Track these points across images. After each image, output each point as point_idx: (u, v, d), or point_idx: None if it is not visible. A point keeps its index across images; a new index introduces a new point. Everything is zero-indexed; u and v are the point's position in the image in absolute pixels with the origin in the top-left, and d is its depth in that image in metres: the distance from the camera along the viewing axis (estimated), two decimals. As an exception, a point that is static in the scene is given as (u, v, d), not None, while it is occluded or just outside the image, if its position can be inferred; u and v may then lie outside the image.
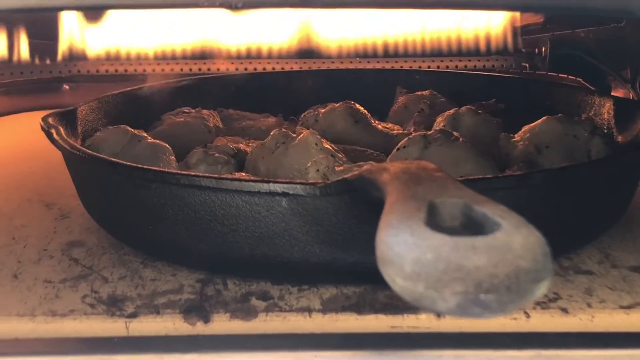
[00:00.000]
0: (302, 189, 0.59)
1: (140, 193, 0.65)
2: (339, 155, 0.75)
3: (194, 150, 0.79)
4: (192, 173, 0.63)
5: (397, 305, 0.61)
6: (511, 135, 0.82)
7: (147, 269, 0.68)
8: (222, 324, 0.59)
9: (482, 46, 1.29)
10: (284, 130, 0.78)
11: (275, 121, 0.95)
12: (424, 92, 0.97)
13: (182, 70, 1.29)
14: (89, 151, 0.68)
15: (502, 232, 0.37)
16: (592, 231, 0.71)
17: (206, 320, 0.59)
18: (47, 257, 0.71)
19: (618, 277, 0.65)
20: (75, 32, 1.25)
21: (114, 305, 0.61)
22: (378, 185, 0.50)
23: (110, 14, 1.23)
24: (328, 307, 0.61)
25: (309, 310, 0.60)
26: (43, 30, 1.28)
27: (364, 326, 0.59)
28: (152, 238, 0.68)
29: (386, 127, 0.89)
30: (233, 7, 0.45)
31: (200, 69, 1.30)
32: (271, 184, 0.59)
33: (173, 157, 0.77)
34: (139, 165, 0.65)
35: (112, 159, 0.67)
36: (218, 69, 1.30)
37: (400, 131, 0.88)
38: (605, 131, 0.83)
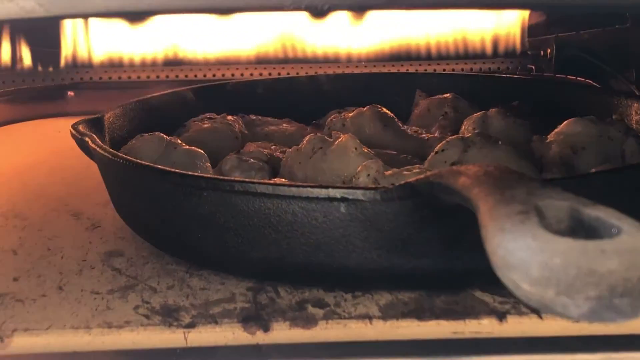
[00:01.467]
0: (362, 194, 0.58)
1: (190, 201, 0.64)
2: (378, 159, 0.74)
3: (228, 156, 0.78)
4: (247, 180, 0.62)
5: (457, 310, 0.60)
6: (544, 137, 0.82)
7: (193, 277, 0.66)
8: (282, 333, 0.58)
9: (489, 48, 1.29)
10: (319, 135, 0.77)
11: (298, 126, 0.95)
12: (445, 96, 0.96)
13: (186, 77, 1.28)
14: (136, 160, 0.67)
15: (626, 235, 0.37)
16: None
17: (266, 329, 0.58)
18: (88, 267, 0.69)
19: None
20: (78, 40, 1.23)
21: (169, 316, 0.60)
22: (455, 190, 0.49)
23: (114, 21, 1.22)
24: (388, 314, 0.60)
25: (368, 317, 0.60)
26: (45, 38, 1.26)
27: (426, 332, 0.58)
28: (200, 246, 0.66)
29: (415, 131, 0.89)
30: (319, 9, 0.44)
31: (205, 75, 1.29)
32: (330, 190, 0.58)
33: (209, 164, 0.75)
34: (190, 173, 0.64)
35: (162, 167, 0.65)
36: (223, 75, 1.29)
37: (431, 135, 0.88)
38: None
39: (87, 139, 0.73)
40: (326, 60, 1.28)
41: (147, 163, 0.66)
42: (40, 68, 1.25)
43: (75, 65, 1.26)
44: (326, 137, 0.76)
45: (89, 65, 1.26)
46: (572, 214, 0.41)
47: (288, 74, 1.29)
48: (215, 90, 1.02)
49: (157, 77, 1.28)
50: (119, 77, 1.28)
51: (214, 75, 1.28)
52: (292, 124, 0.95)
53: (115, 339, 0.58)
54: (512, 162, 0.72)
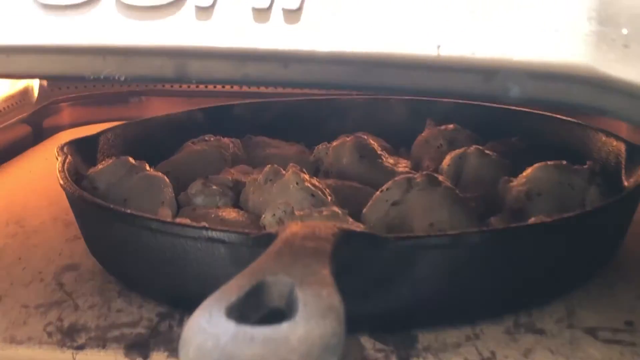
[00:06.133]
0: (236, 238, 0.61)
1: (108, 228, 0.69)
2: (324, 194, 0.76)
3: (195, 181, 0.82)
4: (144, 215, 0.66)
5: None
6: (511, 179, 0.81)
7: (120, 298, 0.72)
8: (160, 362, 0.63)
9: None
10: (275, 166, 0.80)
11: (298, 150, 0.98)
12: (447, 127, 0.96)
13: (249, 88, 1.32)
14: (68, 185, 0.72)
15: (291, 321, 0.39)
16: (558, 288, 0.70)
17: (145, 356, 0.63)
18: (38, 280, 0.76)
19: (566, 339, 0.64)
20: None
21: (68, 336, 0.65)
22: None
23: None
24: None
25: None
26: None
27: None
28: (124, 269, 0.72)
29: (394, 164, 0.90)
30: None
31: (268, 88, 1.32)
32: (209, 231, 0.62)
33: (169, 189, 0.80)
34: (99, 202, 0.69)
35: (82, 194, 0.71)
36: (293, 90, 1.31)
37: (406, 169, 0.89)
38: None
39: (59, 158, 0.79)
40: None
41: (74, 188, 0.71)
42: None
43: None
44: (281, 170, 0.79)
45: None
46: (291, 291, 0.43)
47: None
48: (225, 110, 1.06)
49: (214, 87, 1.33)
50: (188, 87, 1.34)
51: (284, 89, 1.31)
52: (295, 147, 0.98)
53: (14, 354, 0.64)
54: (445, 207, 0.73)
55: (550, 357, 0.62)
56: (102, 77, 0.49)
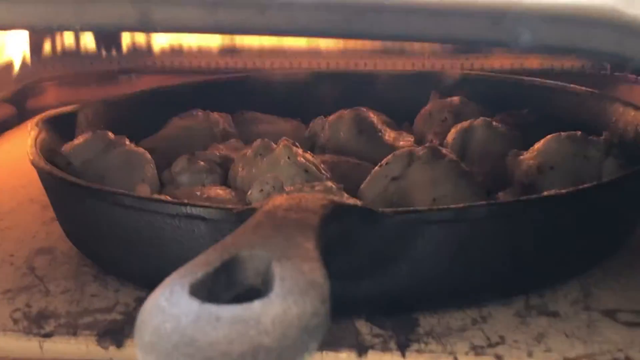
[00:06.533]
0: (218, 214, 0.56)
1: (80, 206, 0.64)
2: (318, 170, 0.71)
3: (179, 158, 0.76)
4: (114, 190, 0.60)
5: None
6: (520, 152, 0.75)
7: (95, 283, 0.66)
8: (133, 350, 0.57)
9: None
10: (265, 140, 0.74)
11: (295, 125, 0.92)
12: (452, 99, 0.90)
13: (246, 65, 1.27)
14: (38, 158, 0.67)
15: (264, 299, 0.33)
16: (572, 267, 0.64)
17: (119, 344, 0.57)
18: (8, 264, 0.70)
19: (583, 322, 0.58)
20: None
21: (36, 323, 0.60)
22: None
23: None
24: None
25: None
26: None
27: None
28: (100, 252, 0.66)
29: (395, 138, 0.84)
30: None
31: (266, 64, 1.26)
32: (189, 207, 0.56)
33: (150, 166, 0.74)
34: (66, 177, 0.63)
35: (49, 168, 0.65)
36: (281, 64, 1.26)
37: (408, 143, 0.83)
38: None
39: (32, 133, 0.73)
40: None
41: (44, 164, 0.66)
42: (103, 52, 1.28)
43: (137, 50, 1.28)
44: (271, 144, 0.73)
45: (149, 51, 1.28)
46: (269, 267, 0.37)
47: (347, 66, 1.24)
48: (216, 85, 1.00)
49: (209, 64, 1.27)
50: (180, 63, 1.28)
51: (272, 64, 1.26)
52: (290, 124, 0.93)
53: (-25, 343, 0.59)
54: (450, 180, 0.67)
55: (565, 342, 0.56)
56: (55, 27, 0.43)
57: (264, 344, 0.31)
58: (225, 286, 0.37)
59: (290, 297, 0.33)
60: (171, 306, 0.33)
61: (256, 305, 0.33)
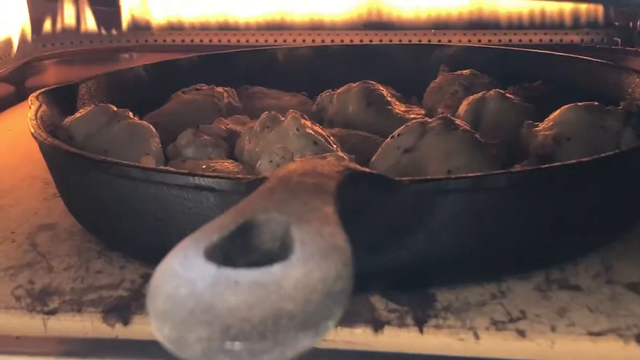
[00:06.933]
0: (227, 185, 0.54)
1: (83, 179, 0.61)
2: (328, 142, 0.68)
3: (184, 131, 0.74)
4: (119, 162, 0.58)
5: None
6: (535, 123, 0.73)
7: (100, 259, 0.64)
8: (141, 327, 0.55)
9: (568, 18, 1.18)
10: (273, 113, 0.72)
11: (300, 100, 0.90)
12: (462, 72, 0.88)
13: (247, 41, 1.25)
14: (39, 131, 0.64)
15: (285, 263, 0.31)
16: (593, 240, 0.62)
17: (125, 321, 0.55)
18: (10, 240, 0.68)
19: (606, 296, 0.56)
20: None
21: (39, 300, 0.58)
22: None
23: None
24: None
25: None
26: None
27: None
28: (104, 227, 0.64)
29: (405, 111, 0.82)
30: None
31: (267, 41, 1.25)
32: (197, 178, 0.54)
33: (155, 140, 0.72)
34: (69, 149, 0.61)
35: (51, 141, 0.63)
36: (285, 40, 1.24)
37: (418, 115, 0.81)
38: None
39: (32, 107, 0.71)
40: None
41: (45, 136, 0.63)
42: (103, 30, 1.26)
43: (137, 27, 1.26)
44: (279, 116, 0.71)
45: (148, 28, 1.26)
46: (287, 231, 0.35)
47: (352, 41, 1.22)
48: (221, 59, 0.98)
49: (219, 40, 1.25)
50: (182, 40, 1.26)
51: (266, 41, 1.24)
52: (297, 98, 0.90)
53: (-24, 320, 0.57)
54: (464, 152, 0.65)
55: (589, 316, 0.54)
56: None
57: (286, 309, 0.29)
58: (241, 251, 0.35)
59: (312, 260, 0.31)
60: (186, 270, 0.31)
61: (276, 269, 0.31)
